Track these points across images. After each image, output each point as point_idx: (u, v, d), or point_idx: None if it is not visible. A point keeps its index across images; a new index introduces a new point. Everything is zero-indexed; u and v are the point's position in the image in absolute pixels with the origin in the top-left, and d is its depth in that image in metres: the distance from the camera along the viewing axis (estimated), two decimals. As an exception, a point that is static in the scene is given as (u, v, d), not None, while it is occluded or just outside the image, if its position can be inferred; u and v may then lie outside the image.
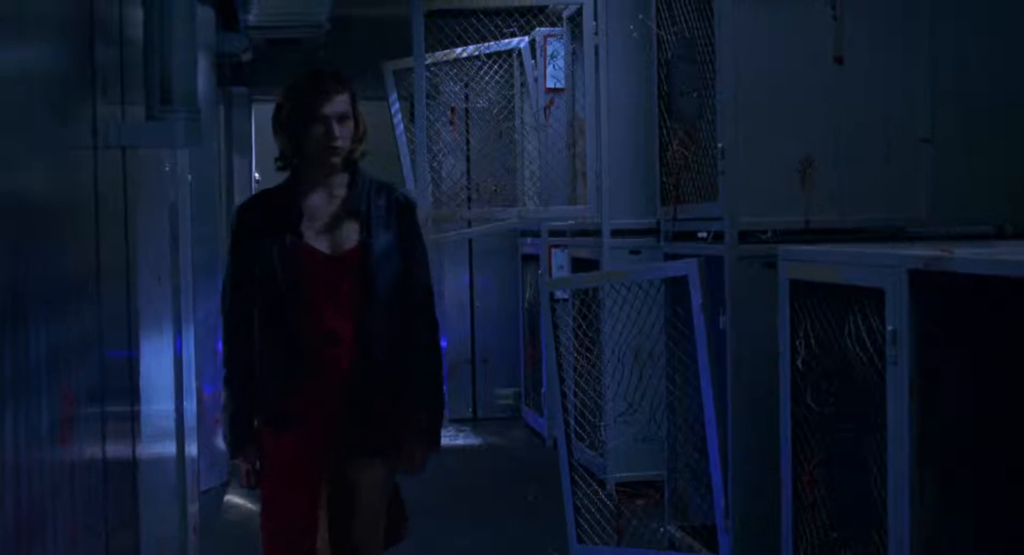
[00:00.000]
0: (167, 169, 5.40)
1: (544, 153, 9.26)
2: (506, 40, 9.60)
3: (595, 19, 8.32)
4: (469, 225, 9.41)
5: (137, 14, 3.90)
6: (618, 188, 8.37)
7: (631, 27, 7.37)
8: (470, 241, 11.69)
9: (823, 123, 5.84)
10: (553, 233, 9.99)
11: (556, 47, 9.45)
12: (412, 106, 9.10)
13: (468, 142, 10.36)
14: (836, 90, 5.83)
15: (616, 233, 8.38)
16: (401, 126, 10.18)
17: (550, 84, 9.52)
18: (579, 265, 9.23)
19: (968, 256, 4.09)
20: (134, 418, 4.26)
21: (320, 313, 4.39)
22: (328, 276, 4.41)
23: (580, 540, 6.70)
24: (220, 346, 4.65)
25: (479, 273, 12.03)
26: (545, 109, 9.41)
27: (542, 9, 9.18)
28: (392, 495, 4.62)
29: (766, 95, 5.83)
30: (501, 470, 9.85)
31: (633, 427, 6.78)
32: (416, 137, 8.47)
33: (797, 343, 5.10)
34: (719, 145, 5.85)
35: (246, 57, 10.39)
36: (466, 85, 9.99)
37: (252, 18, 9.24)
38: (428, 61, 8.86)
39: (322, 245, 4.44)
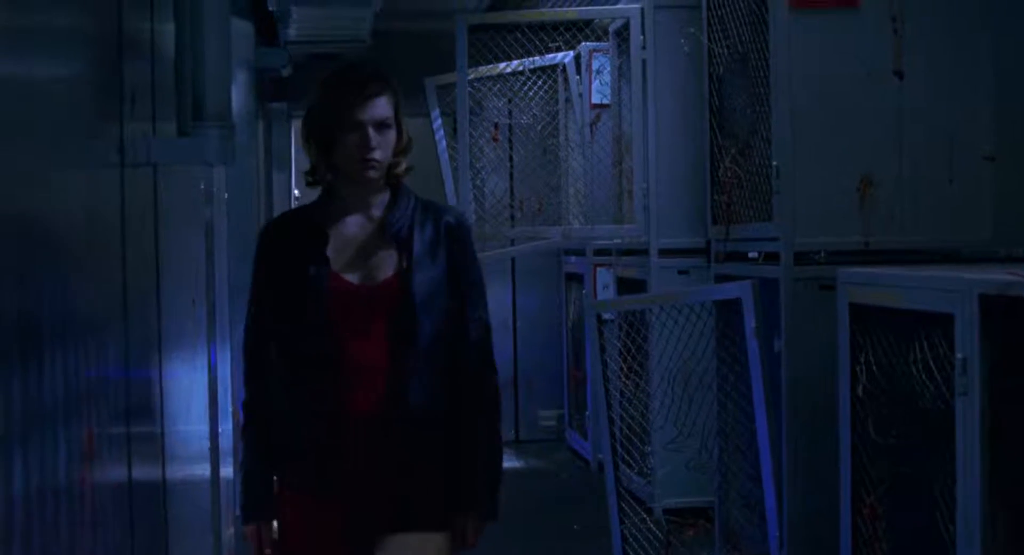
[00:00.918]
0: (202, 187, 5.22)
1: (589, 170, 9.07)
2: (550, 55, 9.43)
3: (643, 33, 8.14)
4: (512, 244, 9.22)
5: (169, 27, 3.72)
6: (666, 207, 8.18)
7: (683, 41, 7.17)
8: (513, 260, 11.51)
9: (882, 140, 5.63)
10: (598, 252, 9.80)
11: (602, 62, 9.27)
12: (455, 122, 8.95)
13: (511, 159, 10.19)
14: (896, 106, 5.63)
15: (664, 253, 8.19)
16: (444, 142, 10.02)
17: (595, 100, 9.34)
18: (625, 285, 9.04)
19: (1045, 281, 3.87)
20: (162, 442, 4.08)
21: (351, 356, 3.68)
22: (360, 312, 3.69)
23: (628, 570, 6.49)
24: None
25: (522, 292, 11.85)
26: (591, 125, 9.23)
27: (588, 23, 9.01)
28: None
29: (823, 111, 5.63)
30: (545, 494, 9.65)
31: (683, 454, 6.57)
32: (459, 154, 8.32)
33: (857, 370, 4.89)
34: (774, 163, 5.65)
35: (286, 72, 10.28)
36: (509, 101, 9.82)
37: (292, 33, 9.12)
38: (471, 76, 8.70)
39: (353, 275, 3.71)
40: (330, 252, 3.72)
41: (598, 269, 9.86)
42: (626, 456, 7.03)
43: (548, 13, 8.82)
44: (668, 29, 8.00)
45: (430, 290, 3.73)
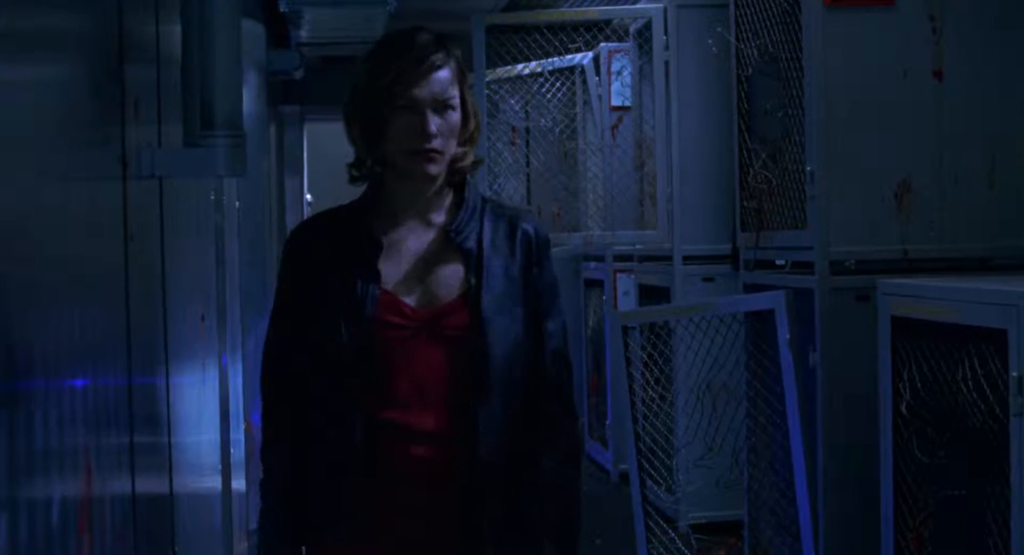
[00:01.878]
0: (212, 197, 5.00)
1: (610, 174, 8.85)
2: (569, 56, 9.21)
3: (665, 33, 7.92)
4: (530, 249, 8.98)
5: (176, 29, 3.50)
6: (690, 212, 7.96)
7: (710, 41, 6.94)
8: (530, 265, 11.27)
9: (921, 144, 5.39)
10: (619, 257, 9.58)
11: (623, 63, 9.06)
12: (471, 125, 8.71)
13: (528, 162, 9.96)
14: (935, 108, 5.39)
15: (688, 259, 7.97)
16: (460, 145, 9.79)
17: (616, 102, 9.13)
18: (647, 292, 8.80)
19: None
20: (170, 455, 3.86)
21: (404, 396, 2.97)
22: (416, 342, 2.97)
23: (655, 590, 6.27)
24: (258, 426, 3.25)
25: (540, 298, 11.61)
26: (613, 129, 9.01)
27: (608, 23, 8.78)
28: None
29: (858, 114, 5.39)
30: (564, 506, 9.42)
31: (712, 471, 6.35)
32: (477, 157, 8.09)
33: (900, 386, 4.66)
34: (808, 168, 5.42)
35: (298, 75, 10.11)
36: (527, 103, 9.60)
37: (304, 35, 8.94)
38: (488, 78, 8.49)
39: (409, 296, 2.99)
40: (381, 266, 3.00)
41: (618, 275, 9.65)
42: (651, 470, 6.80)
43: (567, 13, 8.62)
44: (691, 29, 7.80)
45: (507, 312, 3.01)
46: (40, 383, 2.29)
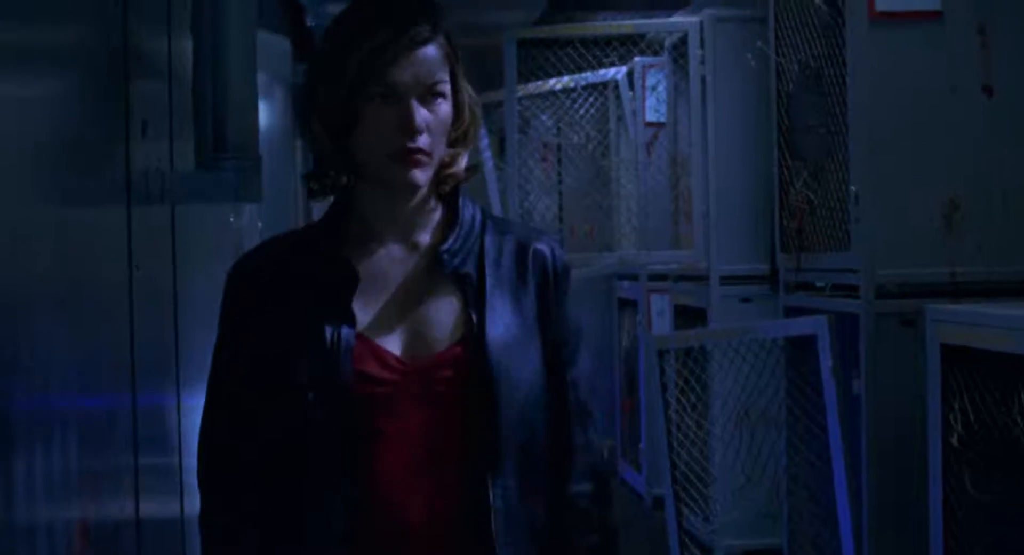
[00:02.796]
0: (231, 219, 4.82)
1: (645, 192, 8.66)
2: (602, 71, 9.02)
3: (701, 48, 7.73)
4: (564, 269, 8.80)
5: (187, 45, 3.32)
6: (727, 231, 7.75)
7: (749, 56, 6.74)
8: (562, 284, 11.09)
9: (971, 163, 5.18)
10: (653, 277, 9.37)
11: (658, 78, 8.86)
12: (501, 141, 8.58)
13: (560, 180, 9.78)
14: (985, 124, 5.18)
15: (725, 279, 7.76)
16: (491, 162, 9.60)
17: (650, 118, 8.93)
18: (682, 313, 8.59)
19: None
20: (180, 478, 3.69)
21: (389, 480, 2.26)
22: (404, 400, 2.27)
23: (691, 625, 6.07)
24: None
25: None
26: (647, 145, 8.81)
27: (642, 37, 8.59)
28: None
29: (904, 131, 5.19)
30: (597, 531, 9.23)
31: (752, 502, 6.14)
32: (507, 174, 7.93)
33: (951, 417, 4.44)
34: (852, 188, 5.21)
35: (325, 90, 9.96)
36: (559, 119, 9.42)
37: (331, 49, 8.79)
38: (519, 94, 8.31)
39: (393, 341, 2.29)
40: (355, 304, 2.29)
41: (652, 295, 9.44)
42: (686, 498, 6.61)
43: (601, 27, 8.43)
44: (728, 43, 7.59)
45: (518, 372, 2.31)
46: (38, 406, 2.13)
